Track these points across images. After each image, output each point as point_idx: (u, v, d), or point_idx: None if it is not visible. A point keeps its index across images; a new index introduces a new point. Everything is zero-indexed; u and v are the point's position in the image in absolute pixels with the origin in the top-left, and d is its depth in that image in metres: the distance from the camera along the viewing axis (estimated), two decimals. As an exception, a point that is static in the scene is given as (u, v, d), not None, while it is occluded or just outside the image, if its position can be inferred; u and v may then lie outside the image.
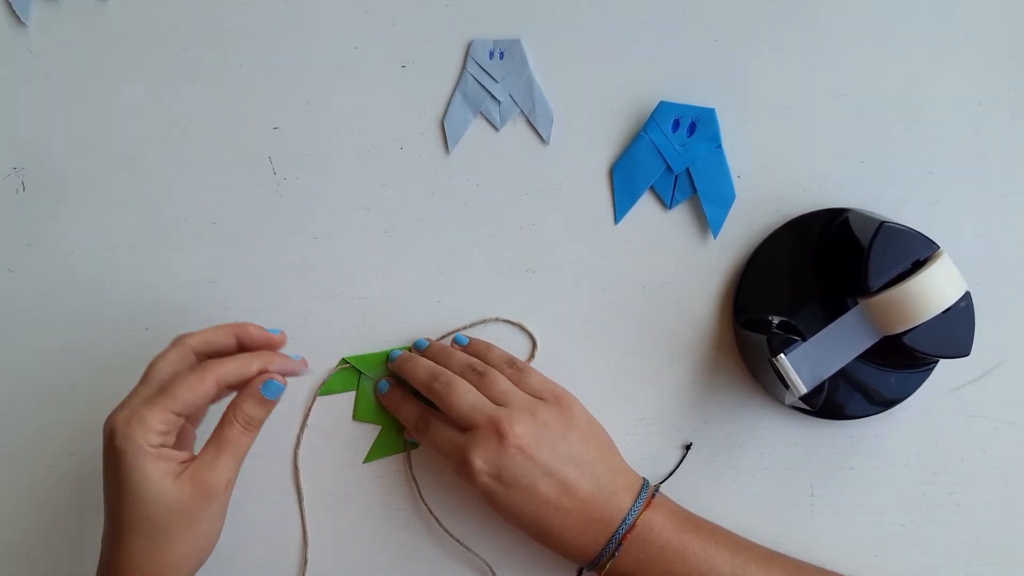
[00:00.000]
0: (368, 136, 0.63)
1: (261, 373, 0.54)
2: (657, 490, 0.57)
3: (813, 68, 0.61)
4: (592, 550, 0.55)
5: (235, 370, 0.53)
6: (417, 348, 0.62)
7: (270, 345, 0.56)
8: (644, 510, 0.55)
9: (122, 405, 0.52)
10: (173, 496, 0.50)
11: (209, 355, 0.55)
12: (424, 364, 0.59)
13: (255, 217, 0.64)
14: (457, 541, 0.62)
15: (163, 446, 0.51)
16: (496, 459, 0.54)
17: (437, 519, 0.62)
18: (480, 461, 0.54)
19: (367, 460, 0.63)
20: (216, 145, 0.64)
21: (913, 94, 0.61)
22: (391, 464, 0.63)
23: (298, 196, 0.64)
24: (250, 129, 0.64)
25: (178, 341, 0.54)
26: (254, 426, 0.54)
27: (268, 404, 0.54)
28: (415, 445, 0.63)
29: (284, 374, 0.55)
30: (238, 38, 0.64)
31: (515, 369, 0.59)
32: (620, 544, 0.54)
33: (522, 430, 0.54)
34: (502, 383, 0.57)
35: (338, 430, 0.63)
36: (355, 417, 0.63)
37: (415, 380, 0.59)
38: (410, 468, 0.63)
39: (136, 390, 0.53)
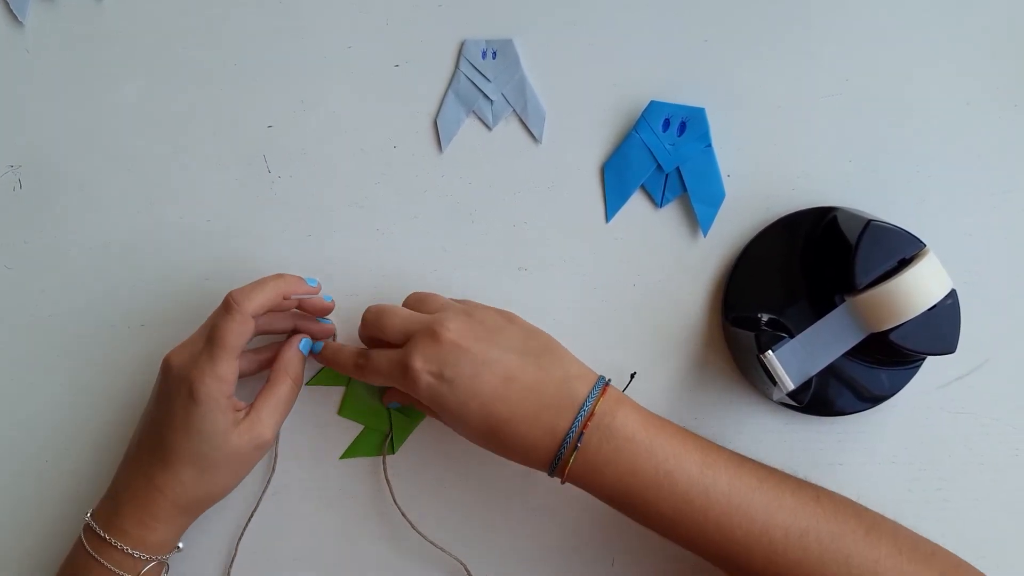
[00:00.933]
0: (362, 134, 0.64)
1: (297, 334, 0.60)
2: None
3: (802, 68, 0.61)
4: (551, 443, 0.52)
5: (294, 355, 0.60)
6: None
7: (311, 293, 0.60)
8: (602, 396, 0.53)
9: (194, 358, 0.56)
10: (233, 444, 0.56)
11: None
12: (346, 349, 0.60)
13: (249, 215, 0.64)
14: (431, 543, 0.62)
15: (230, 398, 0.56)
16: (435, 356, 0.53)
17: (409, 521, 0.62)
18: (420, 362, 0.53)
19: (344, 456, 0.64)
20: (211, 143, 0.64)
21: (902, 94, 0.61)
22: (365, 466, 0.64)
23: (292, 194, 0.64)
24: (244, 127, 0.64)
25: (236, 306, 0.55)
26: (299, 379, 0.60)
27: (304, 360, 0.60)
28: (393, 450, 0.63)
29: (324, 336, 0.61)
30: (233, 37, 0.64)
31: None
32: (581, 434, 0.51)
33: (456, 326, 0.54)
34: (439, 299, 0.58)
35: (321, 423, 0.64)
36: (340, 412, 0.64)
37: (363, 334, 0.59)
38: (384, 471, 0.63)
39: (205, 348, 0.56)
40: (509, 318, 0.57)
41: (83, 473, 0.65)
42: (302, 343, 0.60)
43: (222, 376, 0.55)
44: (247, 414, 0.57)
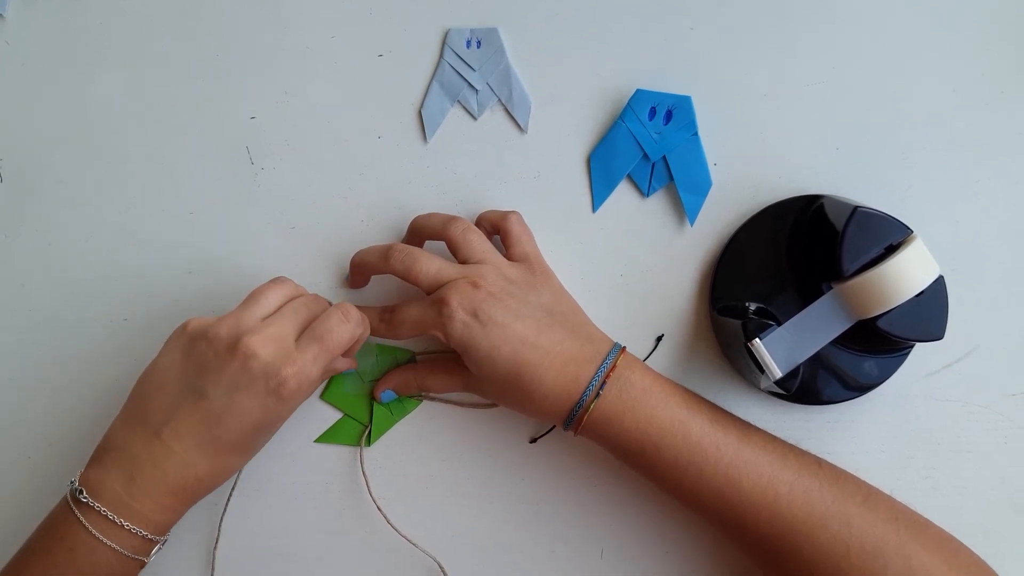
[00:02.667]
0: (345, 125, 0.63)
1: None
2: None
3: (788, 56, 0.61)
4: (574, 391, 0.54)
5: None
6: None
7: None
8: (622, 354, 0.56)
9: (287, 354, 0.53)
10: (285, 417, 0.56)
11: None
12: (376, 247, 0.59)
13: (233, 207, 0.64)
14: (406, 539, 0.62)
15: None
16: (472, 300, 0.54)
17: (385, 516, 0.62)
18: (456, 301, 0.54)
19: (319, 440, 0.63)
20: (193, 135, 0.64)
21: (888, 81, 0.61)
22: (343, 459, 0.64)
23: (276, 185, 0.64)
24: (227, 119, 0.64)
25: (351, 316, 0.56)
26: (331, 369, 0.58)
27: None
28: (369, 443, 0.63)
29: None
30: (215, 28, 0.64)
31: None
32: (604, 383, 0.54)
33: (493, 279, 0.56)
34: (482, 243, 0.58)
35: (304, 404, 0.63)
36: (323, 396, 0.63)
37: (368, 265, 0.59)
38: (361, 463, 0.63)
39: (307, 347, 0.54)
40: (543, 280, 0.59)
41: (66, 468, 0.64)
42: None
43: (313, 379, 0.54)
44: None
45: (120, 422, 0.55)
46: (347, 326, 0.55)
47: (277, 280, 0.58)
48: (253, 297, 0.56)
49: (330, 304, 0.58)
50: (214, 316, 0.55)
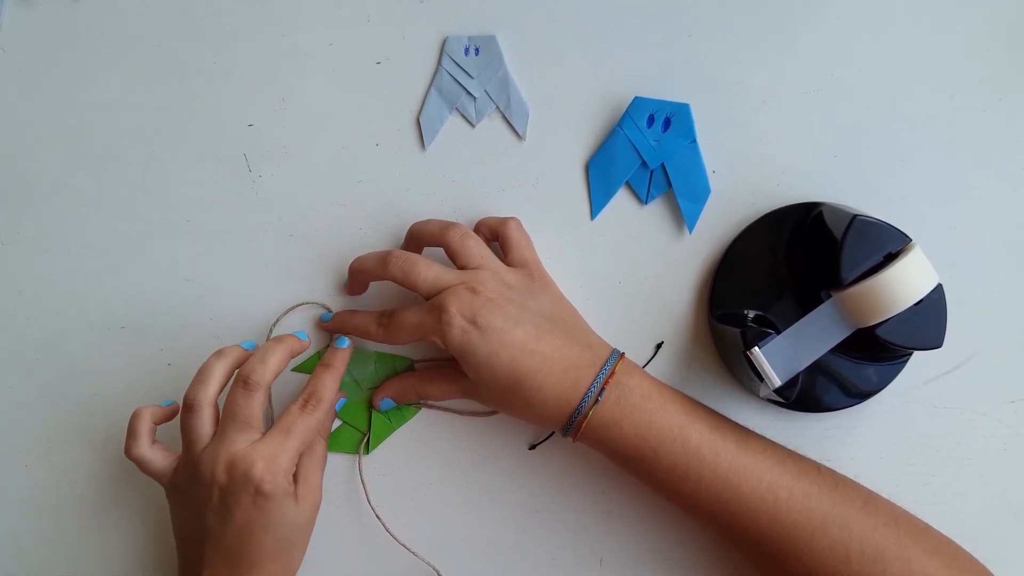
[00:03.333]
0: (343, 132, 0.63)
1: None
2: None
3: (787, 62, 0.61)
4: (572, 397, 0.54)
5: (330, 400, 0.58)
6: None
7: (303, 348, 0.60)
8: (621, 359, 0.56)
9: (238, 459, 0.54)
10: (303, 519, 0.56)
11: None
12: (374, 253, 0.59)
13: (230, 214, 0.64)
14: (404, 547, 0.61)
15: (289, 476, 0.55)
16: (471, 306, 0.54)
17: (383, 524, 0.62)
18: (455, 307, 0.54)
19: None
20: (190, 142, 0.64)
21: (886, 88, 0.61)
22: (341, 466, 0.63)
23: (273, 193, 0.63)
24: (225, 126, 0.63)
25: (251, 384, 0.55)
26: (328, 435, 0.62)
27: (334, 417, 0.62)
28: (368, 451, 0.63)
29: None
30: (212, 34, 0.63)
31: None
32: (603, 389, 0.54)
33: (492, 285, 0.56)
34: (480, 249, 0.58)
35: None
36: None
37: (366, 271, 0.59)
38: (359, 471, 0.63)
39: (237, 438, 0.54)
40: (542, 286, 0.58)
41: (61, 478, 0.64)
42: (338, 403, 0.62)
43: (284, 467, 0.54)
44: (298, 485, 0.56)
45: None
46: (251, 400, 0.55)
47: (217, 353, 0.58)
48: (201, 376, 0.57)
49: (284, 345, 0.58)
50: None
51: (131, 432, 0.57)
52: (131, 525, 0.64)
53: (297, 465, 0.57)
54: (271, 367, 0.56)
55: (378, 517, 0.62)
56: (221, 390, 0.57)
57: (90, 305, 0.64)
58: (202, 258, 0.64)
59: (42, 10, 0.64)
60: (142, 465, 0.57)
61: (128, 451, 0.57)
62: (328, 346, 0.62)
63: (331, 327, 0.62)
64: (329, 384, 0.58)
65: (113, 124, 0.64)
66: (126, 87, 0.64)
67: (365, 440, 0.63)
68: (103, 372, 0.64)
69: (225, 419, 0.55)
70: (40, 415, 0.64)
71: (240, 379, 0.55)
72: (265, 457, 0.54)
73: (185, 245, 0.64)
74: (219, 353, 0.58)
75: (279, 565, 0.55)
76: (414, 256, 0.57)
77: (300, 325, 0.63)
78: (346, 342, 0.61)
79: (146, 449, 0.57)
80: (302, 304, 0.63)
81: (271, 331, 0.63)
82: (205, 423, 0.56)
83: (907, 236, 0.52)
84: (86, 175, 0.64)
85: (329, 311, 0.63)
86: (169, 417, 0.59)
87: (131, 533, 0.64)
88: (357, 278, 0.61)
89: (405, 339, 0.57)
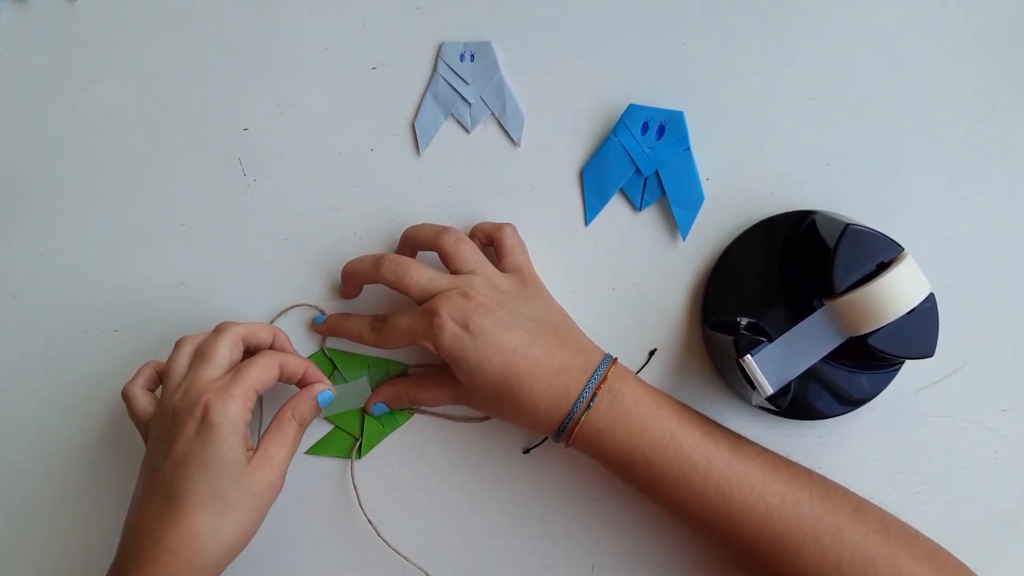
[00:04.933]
0: (339, 137, 0.63)
1: (310, 380, 0.58)
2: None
3: (781, 71, 0.61)
4: (564, 403, 0.54)
5: (297, 367, 0.57)
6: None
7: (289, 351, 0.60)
8: (613, 365, 0.56)
9: (193, 384, 0.54)
10: (248, 478, 0.53)
11: (249, 346, 0.58)
12: (367, 256, 0.59)
13: (225, 218, 0.64)
14: (397, 552, 0.61)
15: (247, 423, 0.54)
16: (463, 310, 0.54)
17: (375, 529, 0.61)
18: (447, 312, 0.54)
19: (309, 452, 0.63)
20: (186, 146, 0.64)
21: (880, 97, 0.61)
22: (333, 470, 0.63)
23: (268, 197, 0.63)
24: (220, 130, 0.63)
25: (226, 329, 0.56)
26: (305, 427, 0.58)
27: (317, 411, 0.58)
28: (360, 455, 0.63)
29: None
30: (208, 39, 0.63)
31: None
32: (595, 394, 0.54)
33: (484, 290, 0.56)
34: (473, 254, 0.58)
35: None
36: None
37: (360, 275, 0.59)
38: (352, 476, 0.63)
39: (200, 371, 0.55)
40: (534, 292, 0.58)
41: (55, 481, 0.64)
42: (321, 395, 0.58)
43: (237, 397, 0.53)
44: (256, 452, 0.55)
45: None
46: (217, 337, 0.56)
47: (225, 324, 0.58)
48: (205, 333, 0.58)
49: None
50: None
51: (136, 373, 0.58)
52: (123, 529, 0.64)
53: (262, 437, 0.56)
54: (246, 325, 0.57)
55: (370, 522, 0.62)
56: (249, 340, 0.58)
57: (84, 308, 0.64)
58: (196, 262, 0.64)
59: (38, 13, 0.64)
60: (129, 402, 0.57)
61: (124, 387, 0.58)
62: (317, 354, 0.63)
63: (324, 330, 0.62)
64: (291, 352, 0.59)
65: (108, 128, 0.64)
66: (121, 91, 0.64)
67: (357, 445, 0.63)
68: (97, 375, 0.64)
69: (194, 360, 0.56)
70: (34, 418, 0.64)
71: (216, 328, 0.57)
72: (218, 386, 0.53)
73: (179, 249, 0.64)
74: (226, 324, 0.58)
75: (210, 518, 0.52)
76: (407, 260, 0.57)
77: (294, 327, 0.63)
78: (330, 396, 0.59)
79: (138, 388, 0.58)
80: (296, 306, 0.63)
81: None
82: (183, 360, 0.56)
83: (899, 245, 0.52)
84: (81, 179, 0.64)
85: (323, 313, 0.63)
86: None
87: (123, 537, 0.64)
88: (350, 281, 0.61)
89: (397, 343, 0.58)
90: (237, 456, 0.53)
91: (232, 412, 0.52)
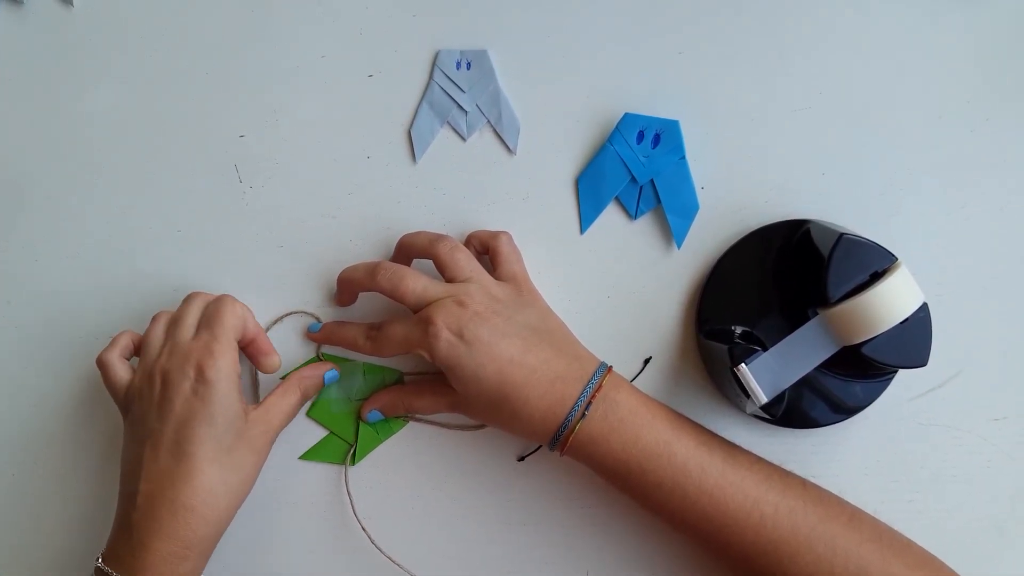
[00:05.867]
0: (335, 145, 0.63)
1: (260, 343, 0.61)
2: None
3: (776, 80, 0.61)
4: (559, 411, 0.54)
5: (250, 320, 0.60)
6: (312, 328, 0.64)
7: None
8: (608, 373, 0.56)
9: (176, 347, 0.56)
10: (248, 432, 0.56)
11: None
12: (363, 264, 0.59)
13: (221, 225, 0.64)
14: (390, 559, 0.61)
15: (239, 376, 0.57)
16: (458, 319, 0.54)
17: (369, 536, 0.61)
18: (442, 320, 0.54)
19: (303, 457, 0.63)
20: (182, 153, 0.64)
21: (874, 107, 0.61)
22: (328, 476, 0.63)
23: (264, 204, 0.64)
24: (216, 137, 0.64)
25: (195, 297, 0.60)
26: (306, 400, 0.61)
27: (321, 387, 0.62)
28: (354, 462, 0.63)
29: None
30: (204, 45, 0.64)
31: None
32: (589, 403, 0.54)
33: (480, 298, 0.56)
34: (469, 262, 0.59)
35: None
36: (309, 413, 0.63)
37: (355, 282, 0.59)
38: (346, 482, 0.63)
39: (178, 334, 0.57)
40: (530, 300, 0.59)
41: (50, 488, 0.64)
42: (328, 372, 0.62)
43: (227, 353, 0.56)
44: (256, 409, 0.57)
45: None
46: (220, 303, 0.58)
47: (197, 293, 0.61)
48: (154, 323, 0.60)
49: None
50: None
51: (111, 341, 0.60)
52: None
53: (265, 398, 0.59)
54: (218, 296, 0.59)
55: (364, 529, 0.62)
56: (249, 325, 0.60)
57: (80, 314, 0.64)
58: (192, 268, 0.64)
59: (34, 18, 0.64)
60: (105, 369, 0.58)
61: (99, 355, 0.59)
62: (312, 360, 0.63)
63: (319, 338, 0.62)
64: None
65: (104, 134, 0.64)
66: (117, 98, 0.64)
67: (352, 452, 0.63)
68: (92, 381, 0.64)
69: (171, 328, 0.58)
70: (29, 424, 0.64)
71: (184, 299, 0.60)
72: (202, 346, 0.55)
73: (175, 255, 0.64)
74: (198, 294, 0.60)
75: (220, 471, 0.55)
76: (403, 268, 0.57)
77: (289, 335, 0.63)
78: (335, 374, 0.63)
79: (115, 356, 0.59)
80: (291, 313, 0.63)
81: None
82: (161, 330, 0.58)
83: (893, 255, 0.53)
84: (77, 184, 0.64)
85: (318, 321, 0.63)
86: None
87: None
88: (346, 289, 0.61)
89: (393, 351, 0.58)
90: (237, 409, 0.56)
91: (225, 367, 0.55)
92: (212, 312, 0.57)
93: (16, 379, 0.64)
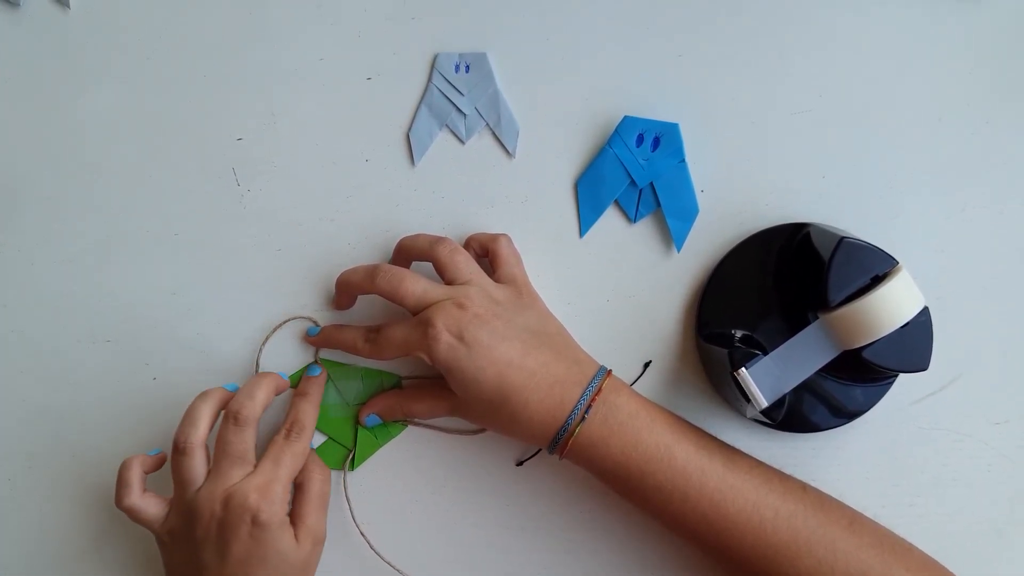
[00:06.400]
0: (333, 148, 0.63)
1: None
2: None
3: (776, 84, 0.61)
4: (559, 414, 0.54)
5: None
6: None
7: (286, 387, 0.61)
8: (608, 377, 0.56)
9: (235, 492, 0.54)
10: (302, 556, 0.56)
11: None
12: (362, 267, 0.59)
13: (218, 228, 0.63)
14: (390, 565, 0.61)
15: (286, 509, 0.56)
16: (458, 321, 0.54)
17: (368, 542, 0.61)
18: (442, 323, 0.54)
19: None
20: (179, 155, 0.63)
21: (874, 110, 0.61)
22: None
23: (262, 207, 0.63)
24: (213, 140, 0.63)
25: (242, 419, 0.56)
26: (328, 471, 0.61)
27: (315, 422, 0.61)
28: (353, 467, 0.63)
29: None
30: (202, 48, 0.63)
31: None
32: (589, 406, 0.54)
33: (480, 301, 0.55)
34: (468, 264, 0.58)
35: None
36: None
37: (354, 285, 0.59)
38: (344, 487, 0.62)
39: (232, 472, 0.55)
40: (529, 303, 0.58)
41: (45, 488, 0.64)
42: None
43: (279, 495, 0.55)
44: (294, 525, 0.56)
45: None
46: (242, 434, 0.56)
47: (202, 395, 0.58)
48: (189, 418, 0.57)
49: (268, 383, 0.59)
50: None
51: (121, 482, 0.57)
52: (116, 536, 0.64)
53: (293, 506, 0.57)
54: (259, 401, 0.57)
55: (363, 534, 0.61)
56: (209, 431, 0.57)
57: (76, 318, 0.64)
58: (189, 272, 0.64)
59: (31, 21, 0.64)
60: (134, 514, 0.56)
61: (119, 501, 0.56)
62: (303, 369, 0.63)
63: (318, 342, 0.62)
64: (309, 411, 0.59)
65: (101, 137, 0.64)
66: (115, 100, 0.64)
67: (350, 456, 0.63)
68: (88, 385, 0.64)
69: (219, 456, 0.56)
70: (24, 428, 0.64)
71: (230, 415, 0.56)
72: (259, 488, 0.54)
73: (172, 259, 0.64)
74: (204, 395, 0.57)
75: None
76: (402, 271, 0.57)
77: (288, 339, 0.63)
78: (317, 370, 0.62)
79: (137, 498, 0.57)
80: (292, 319, 0.63)
81: (261, 349, 0.63)
82: (198, 464, 0.56)
83: (894, 259, 0.52)
84: (73, 187, 0.64)
85: (316, 325, 0.63)
86: (158, 465, 0.59)
87: (116, 544, 0.64)
88: (344, 292, 0.61)
89: (392, 354, 0.57)
90: (289, 546, 0.55)
91: (280, 512, 0.54)
92: (277, 450, 0.57)
93: (12, 384, 0.64)
